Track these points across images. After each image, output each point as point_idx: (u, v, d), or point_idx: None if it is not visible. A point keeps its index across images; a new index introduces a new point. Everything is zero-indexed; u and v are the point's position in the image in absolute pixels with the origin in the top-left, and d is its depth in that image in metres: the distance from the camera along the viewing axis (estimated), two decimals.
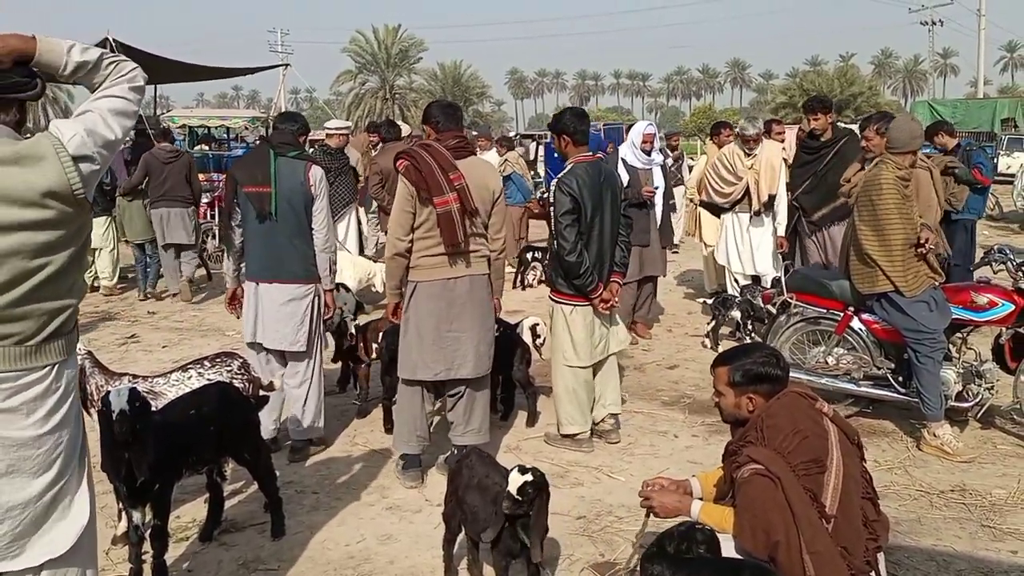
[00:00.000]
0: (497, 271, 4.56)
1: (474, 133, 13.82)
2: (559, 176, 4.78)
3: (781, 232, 7.39)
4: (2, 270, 1.97)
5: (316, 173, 4.74)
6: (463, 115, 4.68)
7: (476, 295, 4.39)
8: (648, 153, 7.24)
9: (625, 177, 6.96)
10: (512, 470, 2.94)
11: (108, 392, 2.98)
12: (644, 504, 3.12)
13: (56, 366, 2.12)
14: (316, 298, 4.80)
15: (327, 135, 8.75)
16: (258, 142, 5.25)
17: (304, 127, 4.98)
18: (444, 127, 4.40)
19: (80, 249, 2.14)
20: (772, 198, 7.38)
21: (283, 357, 4.84)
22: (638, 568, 2.75)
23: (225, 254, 5.35)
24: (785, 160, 7.63)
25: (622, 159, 7.16)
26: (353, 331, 5.77)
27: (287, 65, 20.42)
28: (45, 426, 2.09)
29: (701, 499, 3.12)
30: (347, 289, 6.79)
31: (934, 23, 49.43)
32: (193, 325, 8.38)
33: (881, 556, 2.89)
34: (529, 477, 2.88)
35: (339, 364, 6.06)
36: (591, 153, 4.90)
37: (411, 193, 4.22)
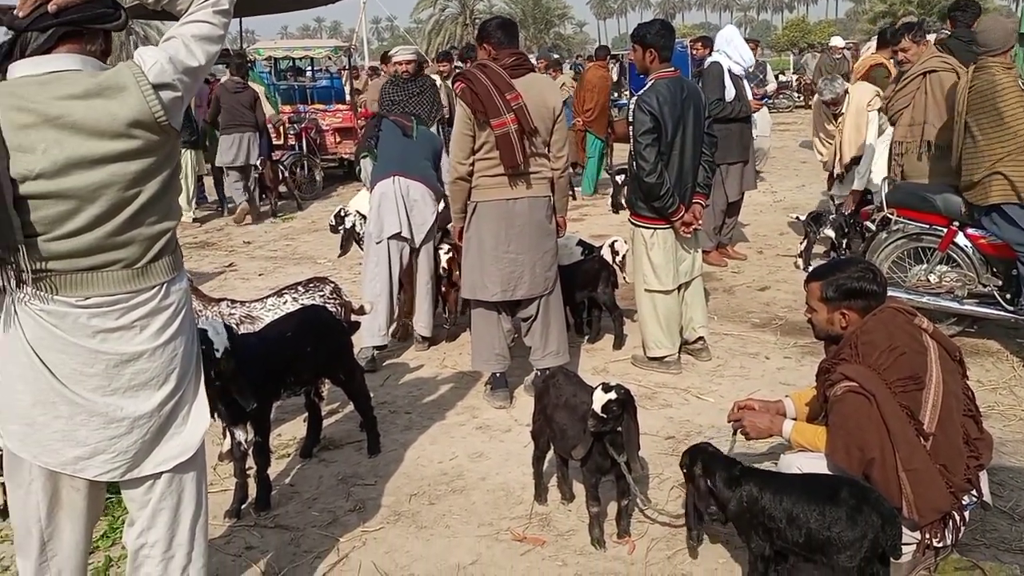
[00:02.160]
0: (561, 189, 4.52)
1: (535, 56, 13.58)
2: (639, 93, 4.66)
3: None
4: (99, 202, 2.03)
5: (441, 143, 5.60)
6: (518, 31, 4.56)
7: (535, 217, 4.35)
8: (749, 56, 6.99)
9: (731, 90, 6.73)
10: (596, 388, 2.95)
11: (205, 330, 3.02)
12: (734, 424, 3.10)
13: (164, 285, 2.21)
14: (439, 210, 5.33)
15: (400, 62, 7.92)
16: (343, 70, 5.86)
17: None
18: (501, 45, 4.32)
19: (172, 173, 2.19)
20: (857, 159, 6.82)
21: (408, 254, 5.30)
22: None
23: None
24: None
25: (727, 69, 6.83)
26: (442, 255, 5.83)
27: None
28: (158, 339, 2.20)
29: (794, 419, 3.09)
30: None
31: None
32: (287, 254, 8.62)
33: (983, 475, 2.82)
34: (613, 395, 2.89)
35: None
36: (673, 69, 4.74)
37: (469, 115, 4.21)
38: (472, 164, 4.31)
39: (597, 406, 2.88)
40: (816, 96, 7.21)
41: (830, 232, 6.81)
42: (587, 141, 10.74)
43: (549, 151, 4.36)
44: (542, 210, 4.39)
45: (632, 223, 4.83)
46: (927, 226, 5.12)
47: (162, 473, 2.29)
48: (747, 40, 9.37)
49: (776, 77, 16.88)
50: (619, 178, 9.56)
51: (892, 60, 6.48)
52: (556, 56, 13.79)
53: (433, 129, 6.36)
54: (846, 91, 6.91)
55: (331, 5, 13.81)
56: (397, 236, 5.12)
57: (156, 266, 2.19)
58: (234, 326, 3.91)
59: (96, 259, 2.08)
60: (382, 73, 9.43)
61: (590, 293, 5.28)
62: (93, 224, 2.05)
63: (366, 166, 6.31)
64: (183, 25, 2.18)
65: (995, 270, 4.92)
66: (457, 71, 9.38)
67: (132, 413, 2.19)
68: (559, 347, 4.58)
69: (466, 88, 4.21)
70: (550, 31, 67.07)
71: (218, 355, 3.03)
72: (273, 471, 3.68)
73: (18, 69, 2.02)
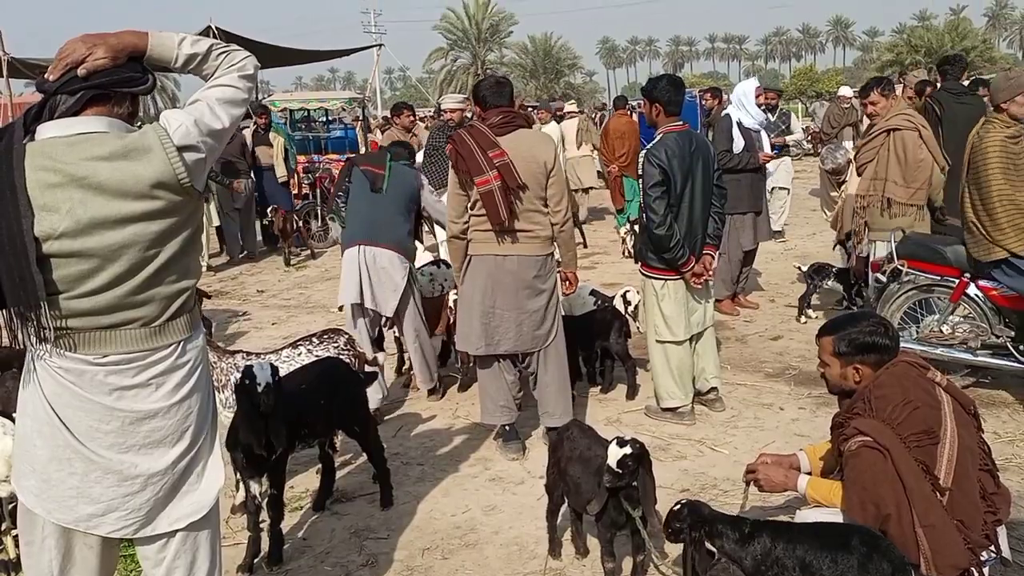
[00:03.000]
0: (565, 243, 4.52)
1: (533, 105, 13.73)
2: (648, 147, 4.72)
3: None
4: (120, 261, 2.07)
5: (424, 181, 5.39)
6: (512, 89, 4.63)
7: (523, 275, 4.36)
8: (763, 109, 7.08)
9: (740, 142, 6.81)
10: (611, 443, 2.95)
11: (251, 366, 3.24)
12: (748, 477, 3.08)
13: (181, 343, 2.24)
14: (411, 272, 5.21)
15: (446, 110, 8.33)
16: (357, 121, 5.85)
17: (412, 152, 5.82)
18: (490, 104, 4.41)
19: (193, 233, 2.23)
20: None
21: (377, 327, 5.29)
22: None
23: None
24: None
25: (737, 122, 6.93)
26: (452, 305, 5.86)
27: (381, 45, 20.77)
28: (174, 397, 2.22)
29: (809, 473, 3.07)
30: (447, 265, 6.88)
31: None
32: (300, 303, 8.67)
33: (1002, 530, 2.78)
34: (628, 449, 2.88)
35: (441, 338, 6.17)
36: (682, 123, 4.81)
37: (456, 175, 4.34)
38: (466, 222, 4.41)
39: (612, 461, 2.88)
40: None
41: (837, 284, 6.82)
42: (624, 185, 10.93)
43: (547, 206, 4.39)
44: (532, 268, 4.38)
45: (643, 274, 4.86)
46: (938, 277, 5.12)
47: (176, 531, 2.29)
48: (768, 90, 9.50)
49: (806, 128, 16.99)
50: (637, 227, 9.61)
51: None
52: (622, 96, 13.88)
53: None
54: (848, 160, 6.95)
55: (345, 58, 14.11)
56: (360, 306, 5.12)
57: (174, 324, 2.22)
58: None
59: (115, 317, 2.12)
60: (394, 124, 9.54)
61: (603, 343, 5.29)
62: (114, 283, 2.08)
63: (335, 228, 6.20)
64: (209, 88, 2.24)
65: (1008, 321, 4.91)
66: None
67: (147, 470, 2.20)
68: (558, 407, 4.52)
69: (452, 149, 4.36)
70: (560, 80, 68.00)
71: (260, 389, 3.17)
72: (286, 524, 3.67)
73: (47, 130, 2.08)
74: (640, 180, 4.70)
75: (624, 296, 5.60)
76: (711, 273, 4.86)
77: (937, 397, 2.77)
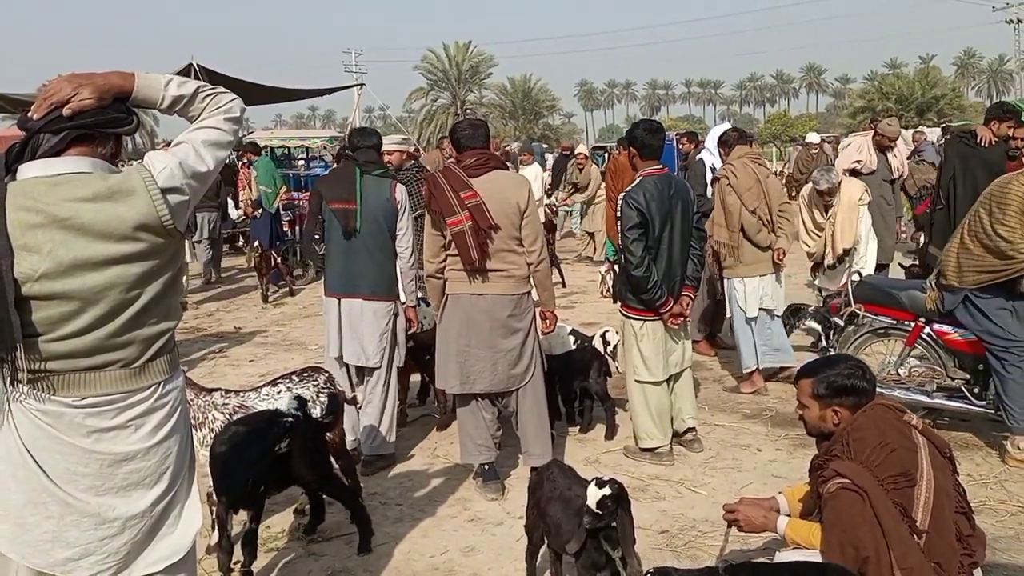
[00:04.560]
0: (540, 282, 4.55)
1: (514, 146, 13.86)
2: (627, 190, 4.77)
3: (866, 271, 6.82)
4: (102, 303, 2.06)
5: (401, 191, 4.90)
6: (488, 132, 4.66)
7: (497, 314, 4.39)
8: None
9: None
10: (589, 483, 2.95)
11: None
12: (728, 517, 3.09)
13: (160, 384, 2.22)
14: (395, 315, 4.91)
15: (384, 152, 8.03)
16: (342, 161, 5.32)
17: (380, 142, 5.12)
18: (464, 146, 4.46)
19: (174, 275, 2.23)
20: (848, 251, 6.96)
21: (359, 372, 4.97)
22: None
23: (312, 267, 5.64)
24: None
25: (711, 166, 7.03)
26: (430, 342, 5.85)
27: (362, 85, 20.92)
28: (153, 439, 2.20)
29: (788, 515, 3.08)
30: (427, 303, 6.88)
31: (1020, 21, 47.57)
32: (277, 340, 8.62)
33: (978, 572, 2.81)
34: (607, 490, 2.88)
35: (420, 377, 6.15)
36: (661, 166, 4.88)
37: (431, 215, 4.40)
38: (443, 261, 4.46)
39: (592, 502, 2.87)
40: (809, 186, 7.36)
41: (815, 325, 6.88)
42: None
43: (522, 246, 4.42)
44: (507, 308, 4.40)
45: (623, 314, 4.89)
46: (894, 321, 5.20)
47: (153, 574, 2.26)
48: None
49: (779, 172, 17.23)
50: (618, 267, 9.69)
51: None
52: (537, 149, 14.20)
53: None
54: (839, 183, 7.08)
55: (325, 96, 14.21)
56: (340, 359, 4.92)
57: (153, 365, 2.21)
58: (228, 417, 3.91)
59: (95, 359, 2.10)
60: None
61: (582, 383, 5.30)
62: (94, 325, 2.07)
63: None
64: (194, 131, 2.25)
65: (961, 364, 4.98)
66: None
67: (124, 513, 2.18)
68: (537, 447, 4.52)
69: (427, 190, 4.42)
70: (539, 121, 68.74)
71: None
72: (261, 564, 3.62)
73: (29, 170, 2.07)
74: (618, 222, 4.76)
75: (603, 336, 5.64)
76: (688, 314, 4.90)
77: (913, 440, 2.81)
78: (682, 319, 4.81)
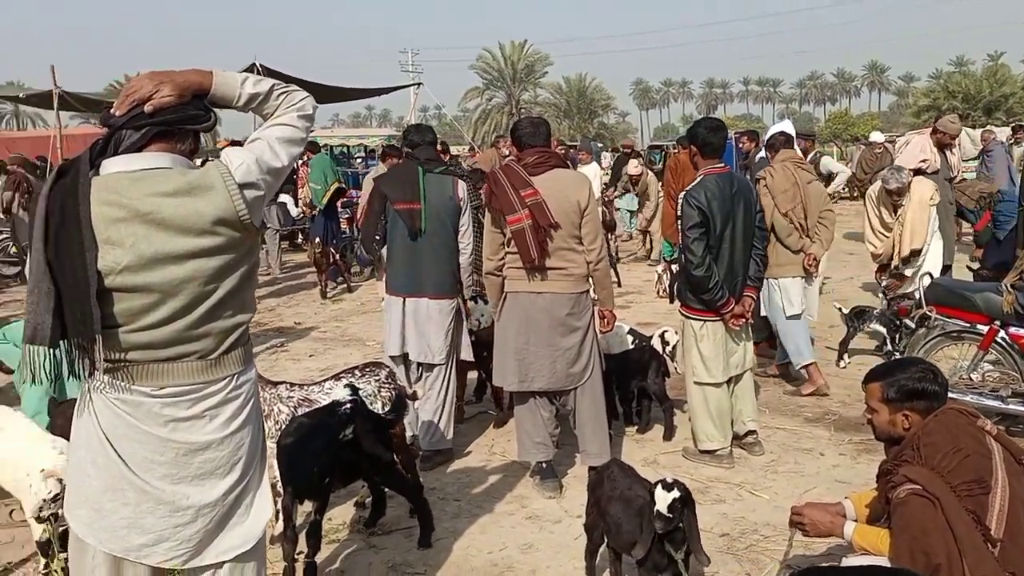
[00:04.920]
0: (600, 281, 4.52)
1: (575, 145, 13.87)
2: (687, 189, 4.73)
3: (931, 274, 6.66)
4: (180, 296, 2.12)
5: (463, 188, 4.94)
6: (549, 130, 4.65)
7: (555, 313, 4.38)
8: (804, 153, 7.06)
9: None
10: (656, 487, 2.93)
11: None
12: (794, 520, 3.04)
13: (234, 376, 2.27)
14: (458, 311, 4.95)
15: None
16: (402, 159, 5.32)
17: (436, 139, 5.19)
18: (525, 144, 4.46)
19: (250, 269, 2.27)
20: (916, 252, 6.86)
21: (418, 367, 5.01)
22: None
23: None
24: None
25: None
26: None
27: (419, 84, 21.06)
28: (227, 430, 2.25)
29: (855, 521, 3.02)
30: (485, 300, 6.91)
31: None
32: (336, 335, 8.74)
33: None
34: (676, 493, 2.87)
35: (477, 374, 6.18)
36: (722, 165, 4.83)
37: (490, 213, 4.41)
38: (502, 259, 4.47)
39: (662, 505, 2.85)
40: (876, 186, 7.21)
41: (880, 327, 6.74)
42: None
43: (582, 244, 4.40)
44: (565, 307, 4.39)
45: (682, 314, 4.85)
46: (968, 324, 5.06)
47: (224, 562, 2.31)
48: (800, 136, 9.52)
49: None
50: (676, 267, 9.61)
51: None
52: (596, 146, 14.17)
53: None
54: (909, 183, 6.93)
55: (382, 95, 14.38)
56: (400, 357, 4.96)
57: (228, 358, 2.25)
58: (292, 409, 3.99)
59: (173, 350, 2.16)
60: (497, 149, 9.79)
61: (640, 383, 5.27)
62: (173, 317, 2.12)
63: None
64: (269, 127, 2.29)
65: None
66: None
67: (198, 502, 2.23)
68: (595, 446, 4.50)
69: (487, 188, 4.44)
70: (594, 121, 68.49)
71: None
72: (323, 556, 3.68)
73: (112, 165, 2.13)
74: (679, 222, 4.72)
75: (662, 336, 5.59)
76: (750, 315, 4.84)
77: (987, 446, 2.72)
78: (743, 320, 4.75)
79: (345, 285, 11.40)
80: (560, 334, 4.37)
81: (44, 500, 3.35)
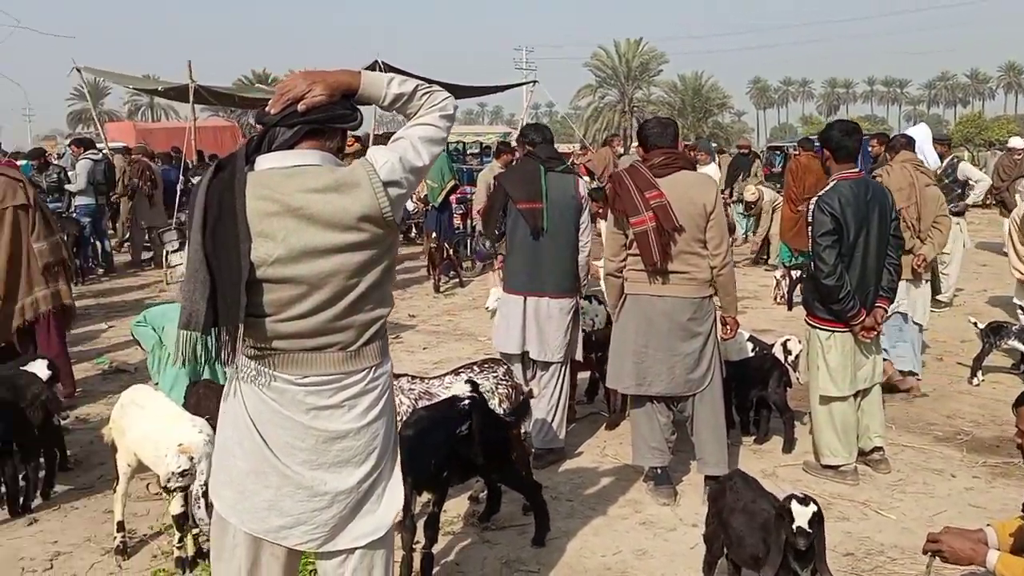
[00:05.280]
0: (723, 286, 4.41)
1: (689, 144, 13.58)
2: (820, 194, 4.57)
3: None
4: (326, 288, 2.19)
5: (584, 186, 4.95)
6: (677, 131, 4.57)
7: (677, 317, 4.30)
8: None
9: None
10: (790, 501, 2.84)
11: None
12: (930, 547, 2.90)
13: (372, 368, 2.32)
14: (576, 310, 4.96)
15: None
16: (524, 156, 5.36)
17: (552, 137, 5.21)
18: (652, 145, 4.40)
19: (391, 264, 2.33)
20: None
21: (534, 366, 5.03)
22: None
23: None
24: None
25: None
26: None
27: (535, 82, 21.08)
28: (363, 420, 2.31)
29: (998, 550, 2.86)
30: (599, 301, 6.87)
31: None
32: (449, 329, 8.87)
33: None
34: (813, 508, 2.78)
35: (588, 374, 6.15)
36: (857, 170, 4.65)
37: (613, 214, 4.36)
38: (623, 261, 4.42)
39: (802, 521, 2.77)
40: (1022, 207, 6.80)
41: (1019, 345, 6.36)
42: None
43: (706, 248, 4.31)
44: (687, 311, 4.31)
45: (808, 324, 4.69)
46: None
47: (356, 549, 2.37)
48: (936, 140, 9.08)
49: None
50: (795, 273, 9.34)
51: None
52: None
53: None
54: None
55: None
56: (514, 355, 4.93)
57: (367, 350, 2.31)
58: (413, 402, 4.07)
59: (317, 341, 2.23)
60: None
61: (760, 392, 5.14)
62: (318, 309, 2.20)
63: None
64: (412, 127, 2.33)
65: None
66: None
67: (334, 488, 2.29)
68: (713, 455, 4.41)
69: (611, 188, 4.39)
70: (708, 120, 67.18)
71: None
72: (438, 548, 3.73)
73: (266, 161, 2.22)
74: (810, 228, 4.56)
75: (785, 344, 5.43)
76: (881, 327, 4.64)
77: None
78: (874, 333, 4.56)
79: (457, 280, 11.55)
80: (680, 339, 4.30)
81: (173, 472, 3.50)
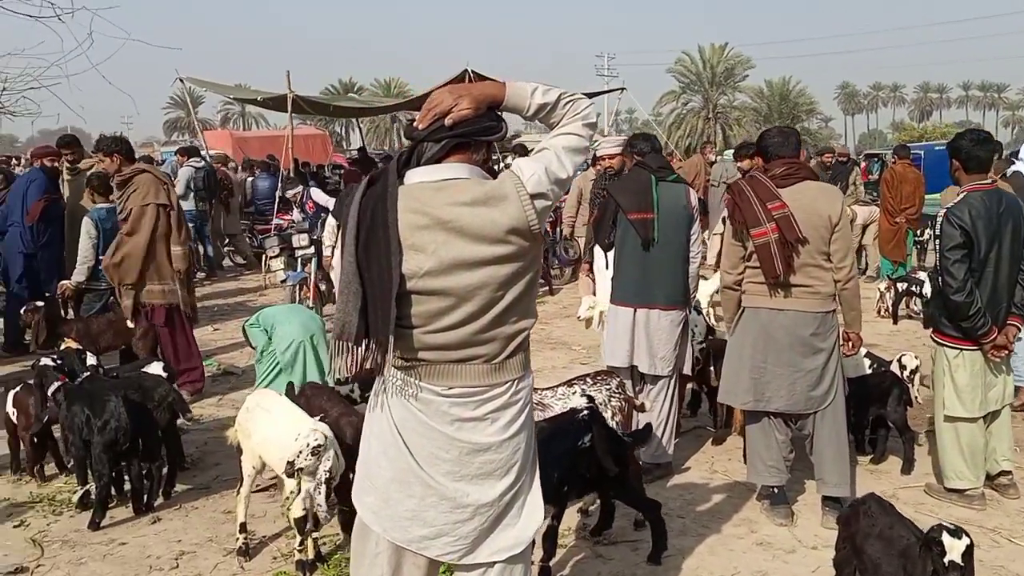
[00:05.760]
0: (847, 301, 4.25)
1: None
2: (949, 206, 4.39)
3: None
4: (474, 300, 2.19)
5: (694, 196, 4.87)
6: (799, 140, 4.44)
7: (798, 332, 4.17)
8: None
9: None
10: (940, 533, 2.72)
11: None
12: None
13: (515, 381, 2.32)
14: (686, 323, 4.87)
15: (603, 156, 6.95)
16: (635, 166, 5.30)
17: (660, 146, 5.18)
18: (772, 155, 4.28)
19: (535, 277, 2.32)
20: None
21: (641, 379, 4.95)
22: None
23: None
24: None
25: None
26: (698, 355, 5.69)
27: (623, 89, 20.99)
28: (506, 433, 2.30)
29: None
30: (699, 311, 6.76)
31: None
32: (542, 338, 8.83)
33: None
34: (967, 541, 2.66)
35: (689, 387, 6.05)
36: (989, 181, 4.45)
37: (732, 225, 4.26)
38: (741, 273, 4.32)
39: (955, 555, 2.65)
40: None
41: None
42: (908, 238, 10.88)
43: (830, 261, 4.18)
44: (809, 326, 4.18)
45: (935, 341, 4.51)
46: None
47: (495, 563, 2.36)
48: None
49: None
50: (901, 285, 9.03)
51: None
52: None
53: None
54: None
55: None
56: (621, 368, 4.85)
57: (511, 362, 2.30)
58: None
59: (462, 353, 2.23)
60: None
61: (879, 410, 4.96)
62: (465, 320, 2.20)
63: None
64: (556, 136, 2.31)
65: None
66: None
67: (476, 500, 2.29)
68: (834, 476, 4.26)
69: (730, 199, 4.29)
70: (796, 126, 65.66)
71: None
72: (552, 561, 3.70)
73: (415, 175, 2.24)
74: (937, 241, 4.39)
75: (900, 360, 5.24)
76: (1012, 346, 4.43)
77: None
78: (1005, 352, 4.35)
79: (547, 288, 11.53)
80: (802, 354, 4.18)
81: (308, 445, 3.48)
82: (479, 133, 2.28)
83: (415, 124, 2.29)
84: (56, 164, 8.19)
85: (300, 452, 3.48)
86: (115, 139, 6.44)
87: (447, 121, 2.22)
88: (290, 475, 3.58)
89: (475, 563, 2.35)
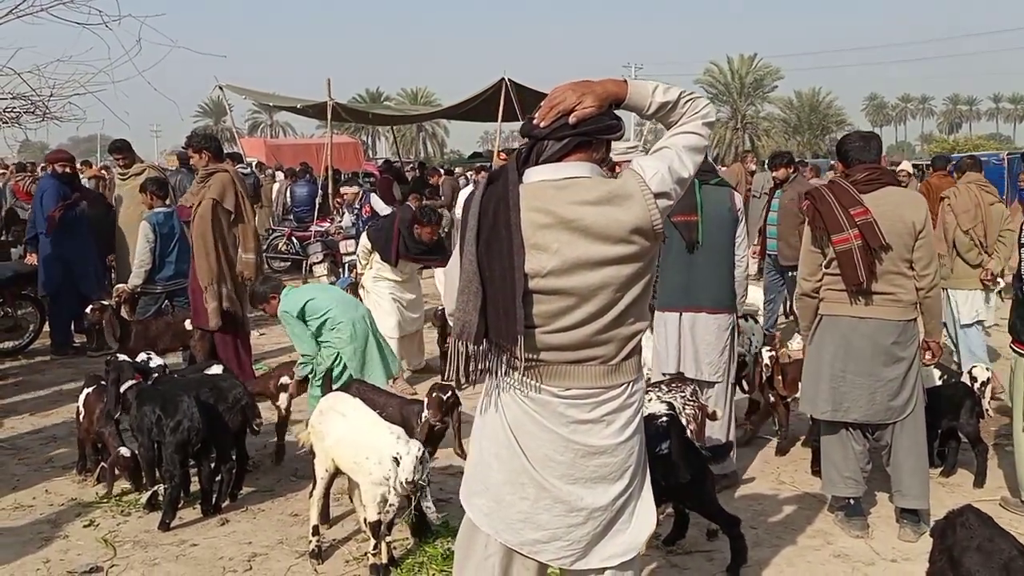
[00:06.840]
0: (929, 309, 4.18)
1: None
2: None
3: None
4: (594, 301, 2.15)
5: (739, 199, 4.80)
6: (880, 145, 4.38)
7: (880, 340, 4.08)
8: None
9: None
10: None
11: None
12: None
13: (630, 383, 2.28)
14: (735, 328, 4.82)
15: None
16: None
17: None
18: (853, 160, 4.21)
19: (652, 278, 2.29)
20: None
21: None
22: None
23: None
24: None
25: None
26: (768, 362, 5.63)
27: None
28: (620, 436, 2.27)
29: None
30: (755, 319, 6.69)
31: None
32: None
33: None
34: None
35: (747, 395, 5.98)
36: None
37: (812, 231, 4.19)
38: (819, 280, 4.24)
39: None
40: None
41: None
42: None
43: (912, 269, 4.11)
44: (891, 334, 4.10)
45: (1014, 350, 4.43)
46: None
47: (606, 569, 2.33)
48: None
49: None
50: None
51: None
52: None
53: None
54: None
55: None
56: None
57: (626, 365, 2.27)
58: None
59: (580, 353, 2.20)
60: None
61: (951, 422, 4.86)
62: (585, 321, 2.17)
63: None
64: (675, 135, 2.28)
65: None
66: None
67: (590, 504, 2.25)
68: (913, 488, 4.18)
69: (810, 205, 4.21)
70: (826, 137, 65.24)
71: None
72: None
73: (536, 174, 2.21)
74: (1020, 250, 4.31)
75: (970, 372, 5.15)
76: None
77: None
78: None
79: None
80: (883, 364, 4.11)
81: (416, 460, 3.48)
82: (601, 132, 2.24)
83: (535, 121, 2.25)
84: (68, 169, 8.19)
85: (414, 468, 3.48)
86: (205, 136, 6.41)
87: (571, 119, 2.19)
88: (410, 494, 3.58)
89: (587, 568, 2.32)
